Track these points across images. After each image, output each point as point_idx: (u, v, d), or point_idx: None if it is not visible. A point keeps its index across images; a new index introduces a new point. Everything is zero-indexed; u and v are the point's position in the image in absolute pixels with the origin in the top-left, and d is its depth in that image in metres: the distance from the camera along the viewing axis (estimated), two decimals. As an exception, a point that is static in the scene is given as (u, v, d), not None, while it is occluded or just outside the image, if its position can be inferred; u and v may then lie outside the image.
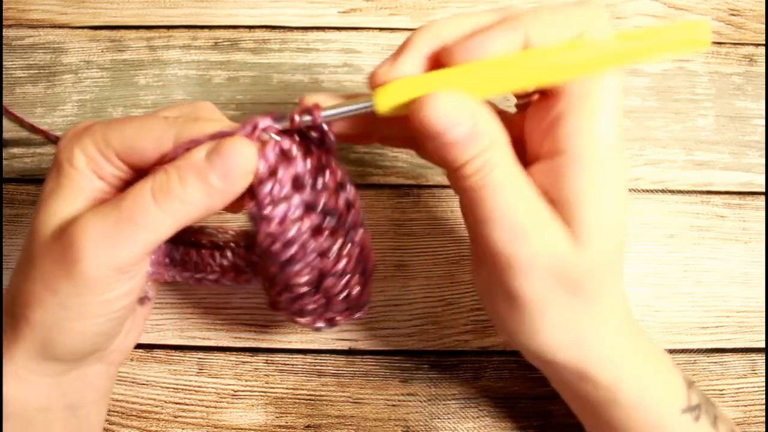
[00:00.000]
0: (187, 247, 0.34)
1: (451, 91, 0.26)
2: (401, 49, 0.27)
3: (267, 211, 0.28)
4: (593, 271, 0.27)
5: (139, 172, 0.29)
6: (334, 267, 0.30)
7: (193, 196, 0.27)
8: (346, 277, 0.30)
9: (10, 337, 0.29)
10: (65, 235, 0.27)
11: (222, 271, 0.33)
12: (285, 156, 0.28)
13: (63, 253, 0.27)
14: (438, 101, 0.25)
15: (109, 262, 0.27)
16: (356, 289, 0.31)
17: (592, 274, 0.27)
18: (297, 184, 0.29)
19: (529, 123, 0.29)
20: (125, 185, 0.29)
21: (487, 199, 0.26)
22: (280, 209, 0.28)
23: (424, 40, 0.27)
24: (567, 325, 0.28)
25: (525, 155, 0.29)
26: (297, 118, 0.28)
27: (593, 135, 0.26)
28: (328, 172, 0.29)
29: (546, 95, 0.28)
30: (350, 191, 0.30)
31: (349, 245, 0.30)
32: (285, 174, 0.28)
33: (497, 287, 0.29)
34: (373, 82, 0.27)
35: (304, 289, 0.30)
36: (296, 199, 0.28)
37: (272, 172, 0.28)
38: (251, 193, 0.28)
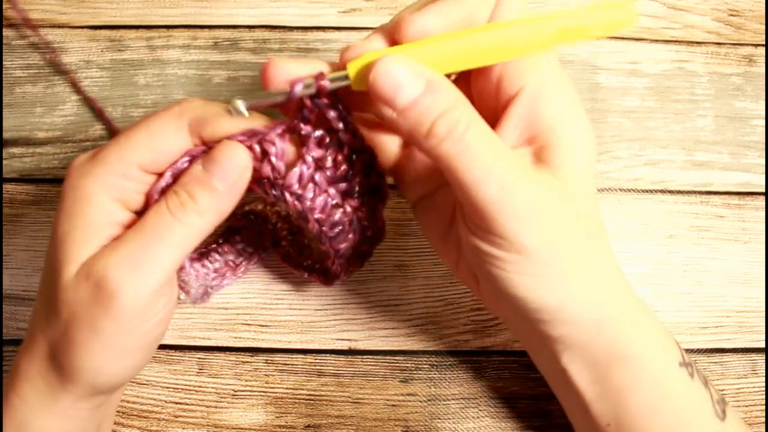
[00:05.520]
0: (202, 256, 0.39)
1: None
2: (373, 31, 0.28)
3: (304, 193, 0.29)
4: (579, 208, 0.28)
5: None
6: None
7: (206, 203, 0.28)
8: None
9: (56, 384, 0.29)
10: (94, 276, 0.27)
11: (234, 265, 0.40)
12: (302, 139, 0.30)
13: (98, 294, 0.27)
14: (385, 63, 0.25)
15: (144, 288, 0.27)
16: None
17: (579, 211, 0.28)
18: (320, 164, 0.30)
19: (476, 84, 0.30)
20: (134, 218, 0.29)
21: (469, 162, 0.25)
22: (320, 200, 0.30)
23: (389, 24, 0.28)
24: (577, 270, 0.28)
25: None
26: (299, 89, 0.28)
27: (544, 66, 0.28)
28: (344, 142, 0.30)
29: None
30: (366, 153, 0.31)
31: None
32: (306, 158, 0.30)
33: (491, 244, 0.27)
34: (346, 58, 0.27)
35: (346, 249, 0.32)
36: (332, 189, 0.30)
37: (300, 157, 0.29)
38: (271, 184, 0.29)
